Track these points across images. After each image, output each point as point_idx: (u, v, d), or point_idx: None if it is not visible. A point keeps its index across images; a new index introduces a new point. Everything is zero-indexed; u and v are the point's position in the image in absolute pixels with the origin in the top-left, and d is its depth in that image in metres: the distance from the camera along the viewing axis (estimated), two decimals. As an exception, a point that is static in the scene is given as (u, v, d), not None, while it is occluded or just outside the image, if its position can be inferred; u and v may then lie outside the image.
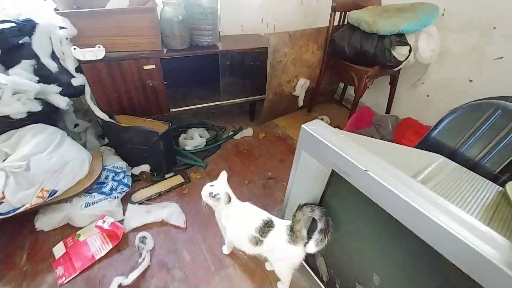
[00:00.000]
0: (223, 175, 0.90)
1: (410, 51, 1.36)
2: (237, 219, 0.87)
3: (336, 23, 1.63)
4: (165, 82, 1.39)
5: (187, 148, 1.48)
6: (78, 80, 1.18)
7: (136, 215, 1.13)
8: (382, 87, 1.78)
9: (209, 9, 1.35)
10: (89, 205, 1.07)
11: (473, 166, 0.84)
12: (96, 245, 1.00)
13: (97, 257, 0.98)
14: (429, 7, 1.38)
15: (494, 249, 0.40)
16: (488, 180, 0.68)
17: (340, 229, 0.70)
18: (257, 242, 0.82)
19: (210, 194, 0.83)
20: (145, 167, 1.30)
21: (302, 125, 0.69)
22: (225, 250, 1.04)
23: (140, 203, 1.20)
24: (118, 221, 1.09)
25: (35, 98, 1.08)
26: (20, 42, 1.04)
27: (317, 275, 0.86)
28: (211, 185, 0.86)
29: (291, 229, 0.77)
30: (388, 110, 1.80)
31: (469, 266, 0.40)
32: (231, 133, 1.70)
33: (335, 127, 1.82)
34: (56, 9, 1.18)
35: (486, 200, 0.55)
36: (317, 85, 1.84)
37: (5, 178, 0.89)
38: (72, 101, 1.29)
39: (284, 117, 1.92)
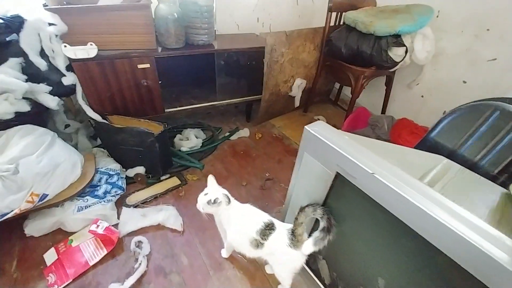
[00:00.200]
0: (211, 179, 0.87)
1: (406, 52, 1.37)
2: (238, 221, 0.85)
3: (332, 24, 1.63)
4: (159, 82, 1.36)
5: (183, 149, 1.45)
6: (69, 79, 1.14)
7: (131, 219, 1.09)
8: (378, 88, 1.79)
9: (205, 7, 1.33)
10: (81, 209, 1.03)
11: (472, 166, 0.85)
12: (90, 251, 0.97)
13: (91, 263, 0.94)
14: (424, 8, 1.39)
15: (506, 253, 0.39)
16: (490, 181, 0.68)
17: (344, 232, 0.69)
18: (257, 245, 0.80)
19: (209, 202, 0.79)
20: (140, 169, 1.27)
21: (305, 127, 0.68)
22: (224, 253, 1.02)
23: (135, 206, 1.17)
24: (113, 226, 1.05)
25: (23, 98, 1.03)
26: (7, 39, 1.00)
27: (318, 278, 0.85)
28: (205, 194, 0.82)
29: (293, 233, 0.76)
30: (383, 111, 1.82)
31: (480, 270, 0.40)
32: (228, 133, 1.67)
33: (331, 127, 1.80)
34: (45, 5, 1.13)
35: (493, 203, 0.55)
36: (313, 85, 1.83)
37: (-8, 182, 0.85)
38: (62, 101, 1.25)
39: (280, 117, 1.91)
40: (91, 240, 0.99)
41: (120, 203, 1.17)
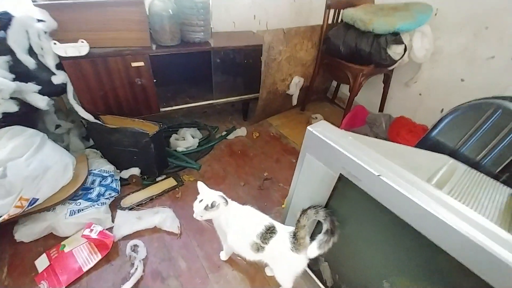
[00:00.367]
0: (201, 185, 0.83)
1: (405, 50, 1.36)
2: (238, 223, 0.83)
3: (330, 21, 1.61)
4: (154, 80, 1.32)
5: (179, 149, 1.41)
6: (59, 77, 1.09)
7: (127, 222, 1.06)
8: (375, 86, 1.78)
9: (201, 4, 1.29)
10: (74, 213, 0.99)
11: (473, 166, 0.84)
12: (83, 256, 0.93)
13: (84, 269, 0.90)
14: (423, 6, 1.38)
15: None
16: (495, 181, 0.67)
17: (347, 234, 0.67)
18: (258, 248, 0.78)
19: (206, 207, 0.77)
20: (135, 170, 1.23)
21: (308, 127, 0.65)
22: (223, 256, 1.00)
23: (131, 209, 1.13)
24: (107, 229, 1.02)
25: (11, 98, 0.99)
26: (-7, 36, 0.95)
27: (320, 280, 0.84)
28: (200, 201, 0.79)
29: (295, 236, 0.74)
30: (381, 109, 1.81)
31: (497, 279, 0.38)
32: (224, 133, 1.65)
33: (329, 126, 1.77)
34: (33, 1, 1.08)
35: (501, 204, 0.54)
36: (311, 83, 1.81)
37: (-22, 187, 0.81)
38: (53, 100, 1.20)
39: (277, 116, 1.89)
40: (84, 245, 0.96)
41: (114, 206, 1.14)
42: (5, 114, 0.96)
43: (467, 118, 0.88)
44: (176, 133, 1.53)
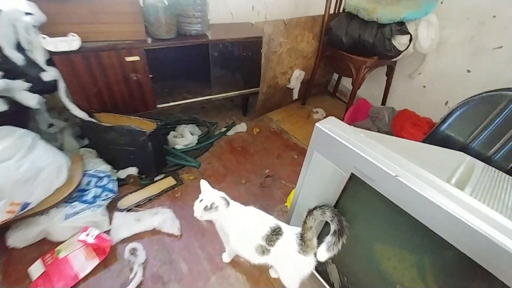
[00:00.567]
0: (204, 183, 0.81)
1: (410, 40, 1.31)
2: (241, 225, 0.79)
3: (331, 11, 1.55)
4: (150, 76, 1.27)
5: (178, 147, 1.37)
6: (50, 74, 1.03)
7: (125, 224, 1.02)
8: (378, 78, 1.74)
9: (198, -6, 1.23)
10: (69, 217, 0.95)
11: (485, 161, 0.80)
12: (80, 262, 0.89)
13: (81, 276, 0.87)
14: (429, -6, 1.33)
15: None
16: (513, 178, 0.64)
17: (358, 236, 0.64)
18: (263, 251, 0.75)
19: (206, 208, 0.74)
20: (132, 170, 1.19)
21: (316, 124, 0.61)
22: (226, 258, 0.96)
23: (128, 210, 1.09)
24: (104, 232, 0.98)
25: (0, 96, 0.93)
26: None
27: (328, 282, 0.81)
28: (201, 200, 0.77)
29: (302, 238, 0.70)
30: (384, 102, 1.77)
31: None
32: (224, 129, 1.60)
33: (331, 121, 1.72)
34: (20, -8, 1.02)
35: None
36: (312, 76, 1.76)
37: (-35, 192, 0.76)
38: (44, 98, 1.14)
39: (278, 110, 1.84)
40: (81, 249, 0.92)
41: (111, 207, 1.09)
42: (-7, 114, 0.91)
43: (478, 112, 0.85)
44: (174, 130, 1.48)
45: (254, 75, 1.50)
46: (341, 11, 1.58)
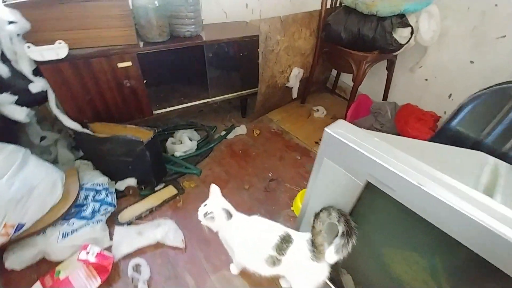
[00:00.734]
0: (214, 189, 0.81)
1: (412, 33, 1.27)
2: (247, 238, 0.76)
3: (328, 6, 1.50)
4: (145, 81, 1.22)
5: (177, 154, 1.32)
6: (38, 85, 0.98)
7: (126, 239, 0.98)
8: (378, 73, 1.70)
9: (190, -6, 1.18)
10: (67, 235, 0.90)
11: (500, 157, 0.77)
12: (81, 283, 0.84)
13: (83, 297, 0.83)
14: (429, -16, 1.28)
15: None
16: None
17: (376, 246, 0.60)
18: (274, 262, 0.71)
19: (205, 214, 0.74)
20: (131, 181, 1.14)
21: (326, 129, 0.57)
22: (234, 269, 0.93)
23: (129, 224, 1.05)
24: (105, 249, 0.93)
25: (-16, 112, 0.88)
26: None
27: (342, 292, 0.77)
28: (205, 205, 0.77)
29: (312, 244, 0.67)
30: (385, 97, 1.73)
31: None
32: (223, 132, 1.55)
33: (331, 118, 1.70)
34: (4, 1, 0.95)
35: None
36: (311, 74, 1.72)
37: (-48, 217, 0.71)
38: (34, 110, 1.09)
39: (277, 110, 1.80)
40: (81, 269, 0.87)
41: (111, 221, 1.05)
42: (-21, 131, 0.86)
43: (490, 106, 0.81)
44: (172, 137, 1.43)
45: (252, 75, 1.46)
46: (338, 5, 1.54)
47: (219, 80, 1.46)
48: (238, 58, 1.47)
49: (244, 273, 0.93)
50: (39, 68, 0.98)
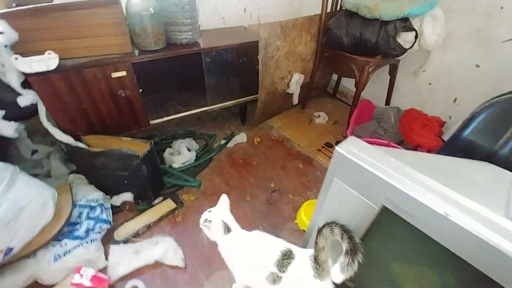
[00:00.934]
0: (223, 199, 0.80)
1: (416, 37, 1.24)
2: (247, 253, 0.73)
3: (328, 10, 1.46)
4: (140, 90, 1.17)
5: (175, 165, 1.27)
6: (27, 98, 0.93)
7: (123, 259, 0.93)
8: (380, 78, 1.66)
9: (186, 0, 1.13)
10: (59, 258, 0.85)
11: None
12: (75, 309, 0.80)
13: (77, 326, 0.77)
14: (432, -14, 1.25)
15: None
16: None
17: (393, 274, 0.55)
18: (274, 280, 0.68)
19: (205, 220, 0.75)
20: (127, 196, 1.09)
21: (337, 148, 0.52)
22: (237, 289, 0.88)
23: (126, 242, 1.00)
24: (100, 271, 0.88)
25: (-31, 128, 0.83)
26: None
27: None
28: (209, 211, 0.78)
29: (315, 260, 0.63)
30: (387, 102, 1.69)
31: None
32: (223, 141, 1.50)
33: (333, 124, 1.65)
34: (-11, 11, 0.91)
35: None
36: (311, 79, 1.68)
37: None
38: (23, 124, 1.04)
39: (278, 116, 1.76)
40: (75, 294, 0.82)
41: (107, 239, 1.00)
42: (-36, 149, 0.81)
43: (506, 114, 0.77)
44: (170, 147, 1.38)
45: (251, 81, 1.41)
46: (338, 9, 1.50)
47: (217, 88, 1.41)
48: (237, 64, 1.43)
49: (248, 294, 0.88)
50: (28, 80, 0.93)
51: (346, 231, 0.55)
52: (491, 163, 0.73)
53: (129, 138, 1.07)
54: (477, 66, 1.31)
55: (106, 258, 0.93)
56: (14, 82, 0.90)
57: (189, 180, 1.22)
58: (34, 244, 0.84)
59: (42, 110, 0.99)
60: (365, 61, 1.33)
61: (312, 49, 1.55)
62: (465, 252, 0.39)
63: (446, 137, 1.31)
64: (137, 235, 1.02)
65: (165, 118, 1.32)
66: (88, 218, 0.98)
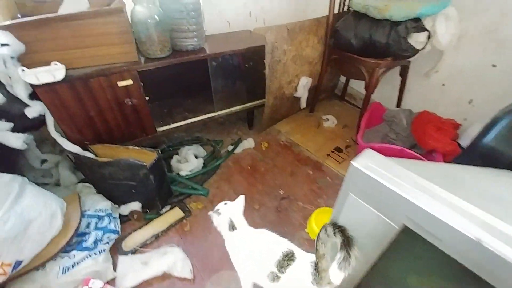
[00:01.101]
0: (240, 199, 0.84)
1: (429, 37, 1.19)
2: (252, 251, 0.75)
3: (335, 11, 1.43)
4: (147, 98, 1.16)
5: (182, 173, 1.26)
6: (35, 109, 0.93)
7: (131, 270, 0.91)
8: (391, 79, 1.61)
9: (191, 6, 1.12)
10: (67, 270, 0.84)
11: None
12: (84, 324, 0.79)
13: None
14: (445, -15, 1.20)
15: None
16: None
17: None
18: (274, 278, 0.68)
19: (217, 210, 0.80)
20: (135, 205, 1.08)
21: (353, 163, 0.50)
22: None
23: (134, 252, 0.98)
24: (109, 282, 0.88)
25: (-22, 141, 0.83)
26: None
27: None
28: (225, 203, 0.83)
29: (315, 267, 0.62)
30: (398, 104, 1.64)
31: None
32: (230, 146, 1.48)
33: (343, 127, 1.61)
34: (-5, 23, 0.91)
35: None
36: (319, 82, 1.64)
37: None
38: (32, 134, 1.04)
39: (285, 120, 1.73)
40: (83, 307, 0.81)
41: (115, 250, 0.99)
42: (-27, 161, 0.81)
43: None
44: (177, 154, 1.37)
45: (258, 86, 1.39)
46: (345, 10, 1.46)
47: (224, 93, 1.39)
48: (243, 69, 1.41)
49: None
50: (35, 92, 0.93)
51: (337, 227, 0.53)
52: (515, 171, 0.69)
53: (136, 147, 1.06)
54: (494, 66, 1.26)
55: (114, 269, 0.92)
56: (22, 93, 0.90)
57: (197, 188, 1.20)
58: (43, 256, 0.83)
59: (50, 120, 0.99)
60: (375, 63, 1.29)
61: (320, 51, 1.52)
62: (500, 282, 0.36)
63: (461, 141, 1.26)
64: (145, 245, 1.01)
65: (172, 125, 1.30)
66: (97, 228, 0.98)
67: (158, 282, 0.92)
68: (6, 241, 0.74)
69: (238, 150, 1.47)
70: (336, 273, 0.54)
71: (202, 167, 1.31)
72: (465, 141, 1.23)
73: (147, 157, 1.02)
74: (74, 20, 0.93)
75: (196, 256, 0.99)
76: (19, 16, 1.01)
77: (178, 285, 0.92)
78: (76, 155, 1.02)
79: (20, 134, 0.92)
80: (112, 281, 0.90)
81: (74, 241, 0.93)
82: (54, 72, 0.91)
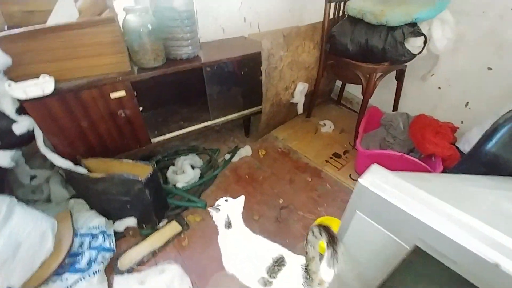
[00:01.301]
0: (240, 199, 0.83)
1: (425, 42, 1.19)
2: (242, 252, 0.76)
3: (331, 16, 1.42)
4: (141, 108, 1.13)
5: (179, 185, 1.22)
6: (22, 125, 0.89)
7: (127, 291, 0.87)
8: (387, 83, 1.60)
9: (185, 13, 1.09)
10: (60, 294, 0.80)
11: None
12: None
13: None
14: (440, -11, 1.20)
15: None
16: None
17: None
18: (265, 283, 0.69)
19: (217, 206, 0.79)
20: (131, 221, 1.04)
21: (360, 181, 0.47)
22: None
23: (130, 271, 0.94)
24: (104, 305, 0.83)
25: (-38, 160, 0.78)
26: None
27: None
28: (226, 200, 0.82)
29: (306, 270, 0.65)
30: (395, 108, 1.64)
31: None
32: (227, 155, 1.45)
33: (340, 132, 1.59)
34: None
35: None
36: (316, 87, 1.63)
37: None
38: (20, 150, 0.99)
39: (282, 127, 1.71)
40: (77, 334, 0.77)
41: (110, 269, 0.95)
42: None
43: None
44: (173, 165, 1.33)
45: (254, 92, 1.37)
46: (341, 15, 1.46)
47: (220, 101, 1.37)
48: (239, 76, 1.38)
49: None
50: (23, 106, 0.89)
51: (322, 227, 0.56)
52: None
53: (130, 161, 1.02)
54: (490, 68, 1.26)
55: (110, 291, 0.88)
56: (8, 109, 0.86)
57: (194, 201, 1.17)
58: (34, 281, 0.79)
59: (39, 136, 0.95)
60: (372, 68, 1.29)
61: (316, 57, 1.51)
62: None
63: (460, 145, 1.26)
64: (141, 263, 0.97)
65: (167, 135, 1.27)
66: (90, 247, 0.93)
67: (156, 302, 0.88)
68: (-7, 267, 0.70)
69: (235, 158, 1.44)
70: (326, 271, 0.57)
71: (199, 178, 1.28)
72: (463, 146, 1.22)
73: (141, 170, 0.98)
74: (64, 31, 0.90)
75: (195, 271, 0.96)
76: (6, 28, 0.97)
77: (177, 304, 0.88)
78: (67, 170, 0.98)
79: (7, 152, 0.88)
80: (107, 303, 0.86)
81: (67, 262, 0.88)
82: (43, 85, 0.88)
